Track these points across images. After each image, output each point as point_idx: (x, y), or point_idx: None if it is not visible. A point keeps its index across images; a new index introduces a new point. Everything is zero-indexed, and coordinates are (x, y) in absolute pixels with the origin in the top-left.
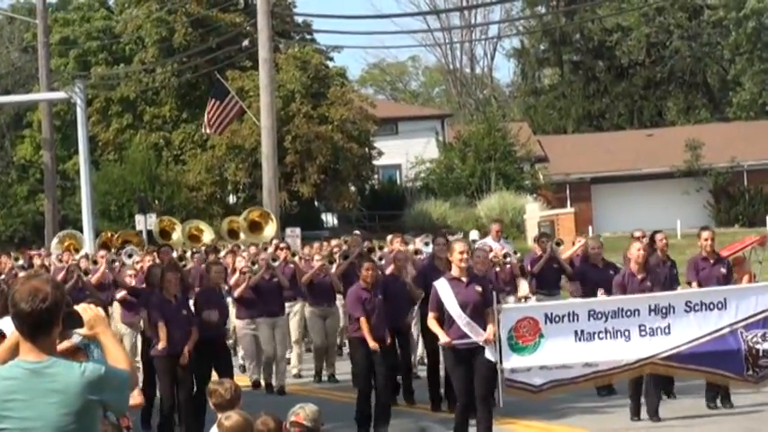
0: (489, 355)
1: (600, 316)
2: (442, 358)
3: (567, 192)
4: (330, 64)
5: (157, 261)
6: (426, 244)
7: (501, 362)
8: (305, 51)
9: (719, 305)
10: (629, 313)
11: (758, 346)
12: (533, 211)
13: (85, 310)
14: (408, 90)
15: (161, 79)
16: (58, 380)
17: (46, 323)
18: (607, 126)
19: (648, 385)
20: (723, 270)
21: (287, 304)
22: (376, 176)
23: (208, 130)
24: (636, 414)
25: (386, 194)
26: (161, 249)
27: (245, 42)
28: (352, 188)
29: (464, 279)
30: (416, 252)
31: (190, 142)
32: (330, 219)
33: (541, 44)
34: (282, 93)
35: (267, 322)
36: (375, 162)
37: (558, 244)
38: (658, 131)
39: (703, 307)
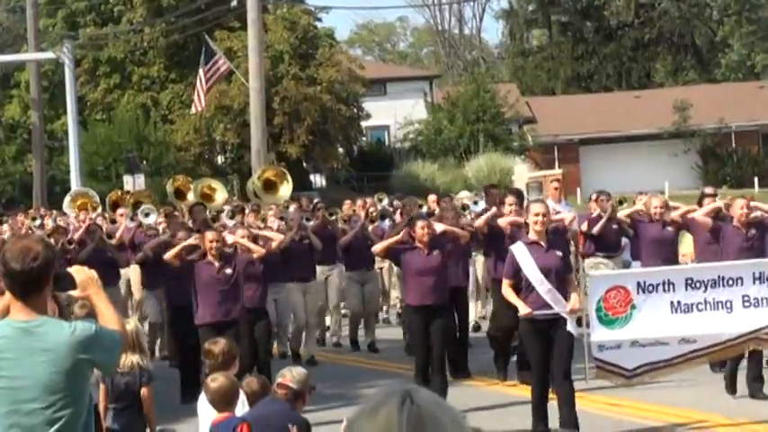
0: (571, 327)
1: (698, 285)
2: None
3: (556, 153)
4: (318, 25)
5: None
6: (476, 203)
7: (589, 335)
8: (293, 12)
9: None
10: (731, 282)
11: None
12: (522, 173)
13: (78, 271)
14: (397, 51)
15: (149, 39)
16: (48, 339)
17: (36, 282)
18: (595, 87)
19: (750, 362)
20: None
21: (323, 268)
22: (364, 138)
23: (198, 108)
24: (732, 389)
25: (374, 155)
26: (194, 208)
27: (234, 3)
28: (341, 149)
29: (543, 243)
30: (464, 207)
31: (178, 102)
32: (318, 180)
33: (530, 5)
34: (271, 54)
35: (298, 287)
36: (363, 123)
37: (621, 203)
38: (646, 93)
39: None
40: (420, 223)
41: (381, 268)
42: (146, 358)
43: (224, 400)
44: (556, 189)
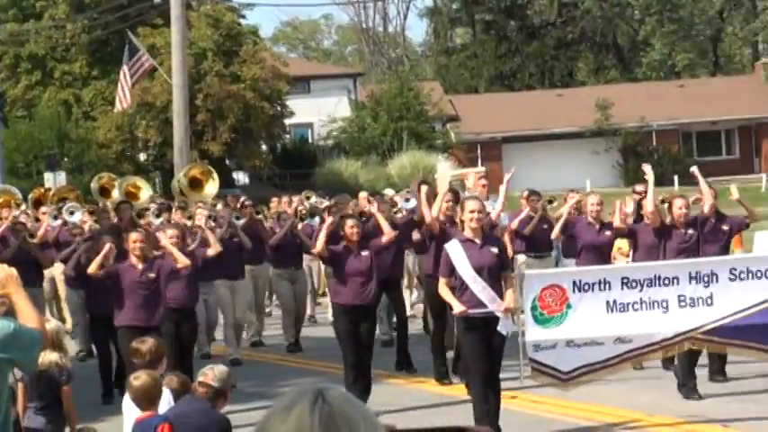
0: (502, 327)
1: (635, 284)
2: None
3: (479, 151)
4: (242, 22)
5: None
6: (407, 200)
7: (523, 335)
8: (217, 9)
9: None
10: (666, 281)
11: None
12: (444, 171)
13: None
14: (321, 49)
15: (71, 36)
16: None
17: None
18: (518, 86)
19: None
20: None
21: (248, 267)
22: (287, 135)
23: (123, 106)
24: (693, 391)
25: (297, 153)
26: (120, 207)
27: None
28: (264, 147)
29: (478, 240)
30: (393, 204)
31: (100, 99)
32: (241, 177)
33: (454, 4)
34: (194, 51)
35: (226, 286)
36: (287, 121)
37: (551, 202)
38: (569, 91)
39: (750, 275)
40: (350, 222)
41: (311, 267)
42: (65, 357)
43: (146, 399)
44: (483, 186)
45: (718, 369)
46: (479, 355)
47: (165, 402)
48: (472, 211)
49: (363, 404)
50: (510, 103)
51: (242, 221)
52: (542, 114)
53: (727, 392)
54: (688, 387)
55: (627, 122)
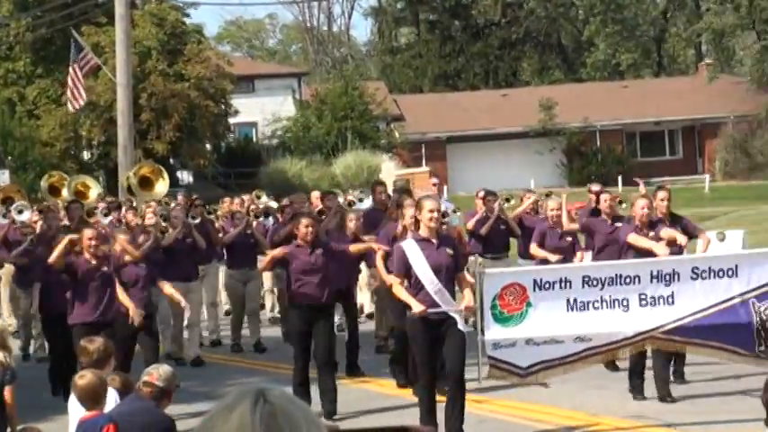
0: (462, 326)
1: (595, 283)
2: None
3: (423, 151)
4: (187, 21)
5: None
6: (361, 200)
7: (482, 333)
8: (161, 8)
9: (730, 272)
10: (628, 280)
11: None
12: (389, 170)
13: None
14: (265, 48)
15: (15, 34)
16: None
17: None
18: (462, 86)
19: (656, 362)
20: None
21: (200, 267)
22: (232, 134)
23: (75, 106)
24: (639, 392)
25: (241, 152)
26: (70, 206)
27: None
28: (208, 146)
29: (434, 240)
30: (350, 204)
31: (44, 97)
32: (186, 176)
33: (398, 3)
34: (138, 50)
35: (180, 287)
36: (231, 120)
37: (508, 200)
38: (513, 91)
39: (712, 274)
40: (304, 221)
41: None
42: (9, 356)
43: (91, 398)
44: (434, 185)
45: (679, 371)
46: (430, 355)
47: (112, 402)
48: (431, 211)
49: (305, 404)
50: (454, 103)
51: (197, 221)
52: (486, 114)
53: (681, 395)
54: (657, 386)
55: (571, 122)
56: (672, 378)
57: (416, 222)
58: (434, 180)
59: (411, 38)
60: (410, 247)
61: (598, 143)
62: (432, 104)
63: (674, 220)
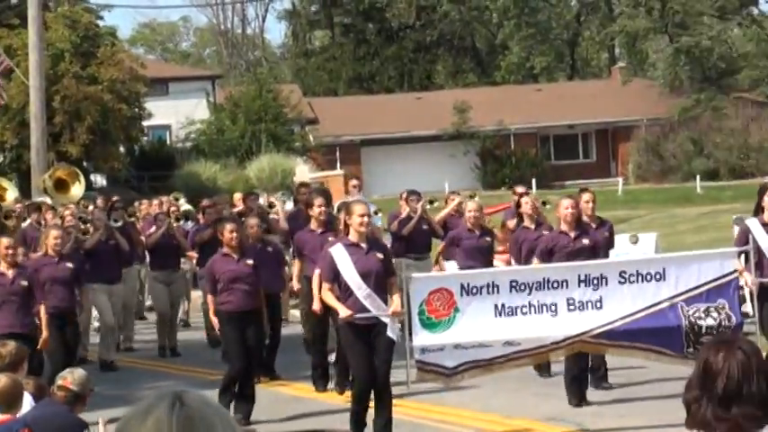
0: (391, 332)
1: (523, 288)
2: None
3: (337, 154)
4: (100, 23)
5: None
6: (284, 202)
7: (410, 339)
8: (74, 10)
9: (658, 276)
10: (555, 285)
11: (700, 322)
12: (303, 173)
13: None
14: (179, 51)
15: None
16: None
17: None
18: (377, 89)
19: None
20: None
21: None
22: (146, 137)
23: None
24: (579, 399)
25: (155, 155)
26: None
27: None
28: (122, 149)
29: (363, 245)
30: (270, 206)
31: None
32: (99, 179)
33: (313, 6)
34: (51, 52)
35: (103, 289)
36: (145, 122)
37: (431, 202)
38: (427, 95)
39: (640, 278)
40: (228, 227)
41: (186, 271)
42: None
43: (5, 402)
44: (355, 187)
45: (603, 376)
46: (363, 362)
47: (27, 405)
48: (361, 215)
49: (222, 407)
50: (368, 106)
51: (120, 224)
52: (401, 117)
53: (599, 400)
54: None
55: (485, 126)
56: (593, 382)
57: (346, 226)
58: (354, 182)
59: (325, 41)
60: (338, 253)
61: (512, 146)
62: (346, 107)
63: (600, 222)
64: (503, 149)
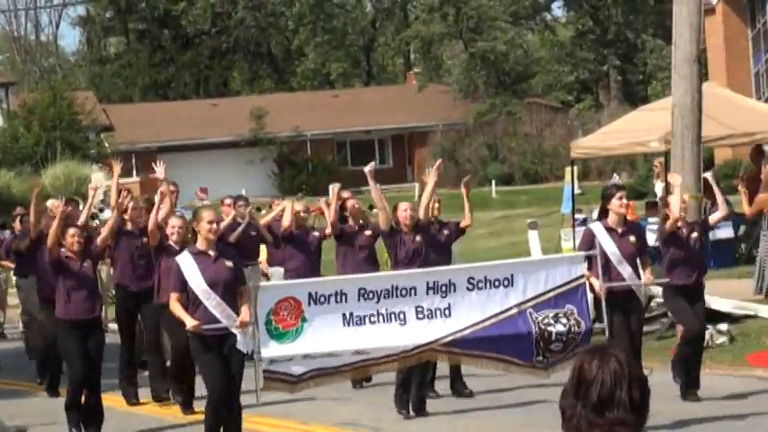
0: (241, 344)
1: (371, 296)
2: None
3: (134, 161)
4: None
5: None
6: (102, 210)
7: (258, 350)
8: None
9: (506, 282)
10: (404, 292)
11: (550, 329)
12: (98, 180)
13: None
14: None
15: None
16: None
17: None
18: (173, 95)
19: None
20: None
21: None
22: None
23: None
24: (405, 407)
25: None
26: None
27: None
28: None
29: (212, 253)
30: (258, 209)
31: None
32: None
33: (107, 12)
34: None
35: None
36: None
37: (259, 210)
38: (223, 101)
39: (488, 284)
40: (71, 231)
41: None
42: None
43: None
44: (173, 192)
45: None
46: (215, 372)
47: None
48: (210, 222)
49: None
50: (165, 113)
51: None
52: (197, 124)
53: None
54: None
55: (282, 132)
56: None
57: (194, 233)
58: (173, 187)
59: (120, 47)
60: (185, 262)
61: (309, 152)
62: (142, 114)
63: (442, 225)
64: (300, 155)
